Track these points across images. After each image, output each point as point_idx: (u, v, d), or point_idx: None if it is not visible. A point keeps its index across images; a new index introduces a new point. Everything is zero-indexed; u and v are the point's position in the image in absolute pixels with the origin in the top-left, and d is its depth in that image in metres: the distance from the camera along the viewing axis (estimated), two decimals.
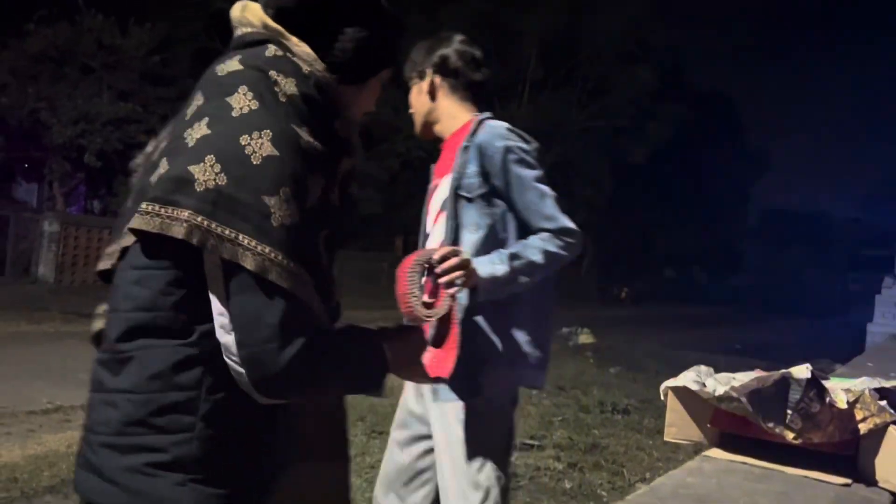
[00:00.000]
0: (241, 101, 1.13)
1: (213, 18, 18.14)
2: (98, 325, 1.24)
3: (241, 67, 1.18)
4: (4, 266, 15.17)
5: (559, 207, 2.08)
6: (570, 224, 2.07)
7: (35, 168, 18.49)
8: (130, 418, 1.10)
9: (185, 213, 1.06)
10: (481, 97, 2.30)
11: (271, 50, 1.22)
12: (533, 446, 5.39)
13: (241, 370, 1.09)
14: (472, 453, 2.05)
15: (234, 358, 1.10)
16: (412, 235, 28.10)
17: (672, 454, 5.50)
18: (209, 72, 1.22)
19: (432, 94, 2.27)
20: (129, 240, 1.15)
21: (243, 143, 1.09)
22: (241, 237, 1.06)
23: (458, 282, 1.78)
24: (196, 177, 1.07)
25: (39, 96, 15.48)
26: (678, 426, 2.45)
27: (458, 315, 1.88)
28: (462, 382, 1.98)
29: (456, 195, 2.11)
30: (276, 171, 1.09)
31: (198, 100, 1.18)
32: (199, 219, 1.06)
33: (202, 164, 1.08)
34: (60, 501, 3.73)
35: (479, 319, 2.04)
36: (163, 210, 1.07)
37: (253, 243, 1.06)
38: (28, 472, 4.08)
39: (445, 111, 2.27)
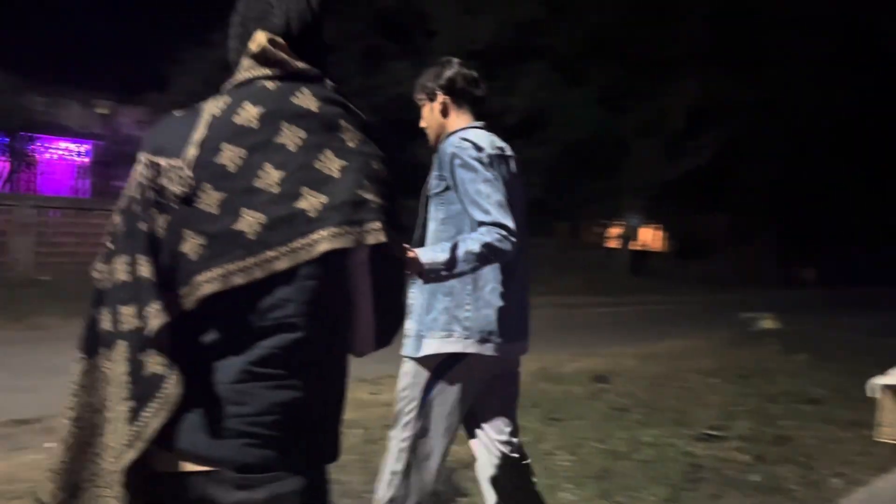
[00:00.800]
0: (350, 135, 1.40)
1: (379, 17, 18.85)
2: (157, 322, 1.27)
3: (321, 103, 1.39)
4: None
5: (499, 206, 2.38)
6: (504, 220, 2.36)
7: None
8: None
9: (377, 225, 1.35)
10: (483, 110, 2.71)
11: (328, 84, 1.45)
12: (715, 437, 5.21)
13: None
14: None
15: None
16: (577, 220, 27.77)
17: (871, 449, 5.13)
18: (283, 103, 1.37)
19: (444, 111, 2.67)
20: (303, 258, 1.32)
21: (375, 168, 1.39)
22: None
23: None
24: (367, 198, 1.35)
25: None
26: (894, 426, 2.29)
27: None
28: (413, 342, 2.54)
29: (425, 195, 2.62)
30: (393, 186, 1.43)
31: (290, 137, 1.35)
32: (384, 227, 1.36)
33: (363, 188, 1.35)
34: None
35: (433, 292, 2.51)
36: (353, 228, 1.33)
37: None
38: None
39: (454, 124, 2.65)
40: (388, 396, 5.86)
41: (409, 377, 2.57)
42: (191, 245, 1.31)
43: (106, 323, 1.32)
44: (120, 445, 1.26)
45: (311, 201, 1.33)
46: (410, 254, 2.23)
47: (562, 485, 4.03)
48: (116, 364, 1.29)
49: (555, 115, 19.94)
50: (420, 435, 2.55)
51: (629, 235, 25.14)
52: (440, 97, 2.66)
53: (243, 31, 1.47)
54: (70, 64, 25.24)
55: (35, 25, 24.23)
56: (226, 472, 1.30)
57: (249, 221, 1.32)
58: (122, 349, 1.29)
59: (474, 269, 2.39)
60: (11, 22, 23.87)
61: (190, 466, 1.31)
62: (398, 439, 2.58)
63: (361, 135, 1.41)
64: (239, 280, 1.30)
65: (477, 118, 2.68)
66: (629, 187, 23.36)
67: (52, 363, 6.49)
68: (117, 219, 1.35)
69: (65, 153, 20.60)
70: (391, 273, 1.50)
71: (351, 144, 1.39)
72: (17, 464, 4.00)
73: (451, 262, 2.29)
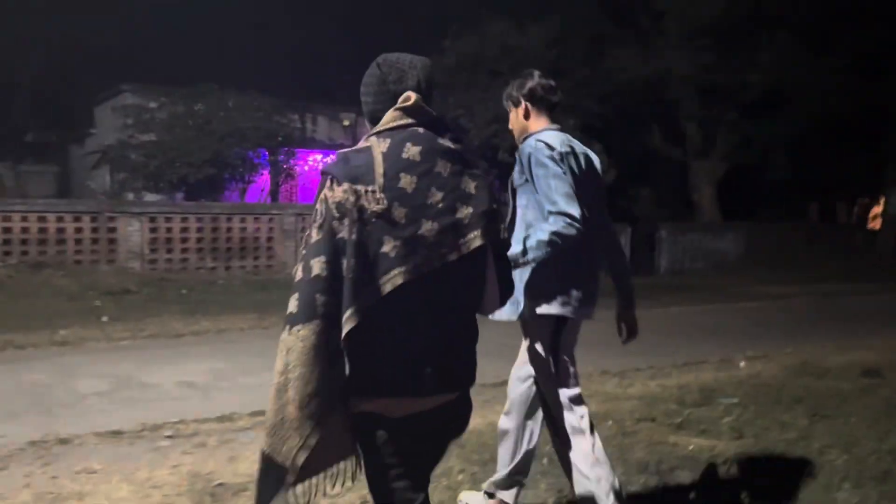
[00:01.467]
0: (473, 163, 1.98)
1: (602, 2, 18.50)
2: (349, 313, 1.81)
3: (455, 143, 1.96)
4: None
5: (567, 196, 2.83)
6: (570, 209, 2.81)
7: None
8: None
9: (501, 227, 1.99)
10: (558, 112, 3.17)
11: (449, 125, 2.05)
12: None
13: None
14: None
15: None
16: (831, 199, 25.15)
17: None
18: (434, 143, 1.91)
19: (526, 115, 3.12)
20: (464, 251, 1.90)
21: (489, 185, 1.98)
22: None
23: None
24: (495, 208, 1.95)
25: (458, 104, 17.41)
26: None
27: None
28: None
29: (511, 185, 3.12)
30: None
31: (442, 167, 1.90)
32: (503, 228, 2.01)
33: (492, 201, 1.95)
34: None
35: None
36: (490, 229, 1.94)
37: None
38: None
39: (534, 126, 3.10)
40: (639, 389, 5.78)
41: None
42: (389, 247, 1.81)
43: (303, 305, 1.78)
44: (305, 397, 1.76)
45: (464, 212, 1.90)
46: None
47: (839, 484, 3.73)
48: (310, 336, 1.76)
49: (800, 87, 18.25)
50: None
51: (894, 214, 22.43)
52: (523, 104, 3.12)
53: (384, 90, 1.97)
54: (317, 80, 27.65)
55: (285, 49, 26.76)
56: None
57: (428, 228, 1.85)
58: (314, 326, 1.77)
59: (546, 254, 2.83)
60: (266, 49, 26.64)
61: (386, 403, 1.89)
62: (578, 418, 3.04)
63: (476, 161, 2.01)
64: (425, 270, 1.83)
65: (553, 120, 3.13)
66: (894, 159, 20.90)
67: None
68: (315, 232, 1.82)
69: (314, 164, 22.58)
70: (505, 257, 2.10)
71: (476, 170, 1.97)
72: None
73: (524, 251, 2.83)
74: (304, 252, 1.83)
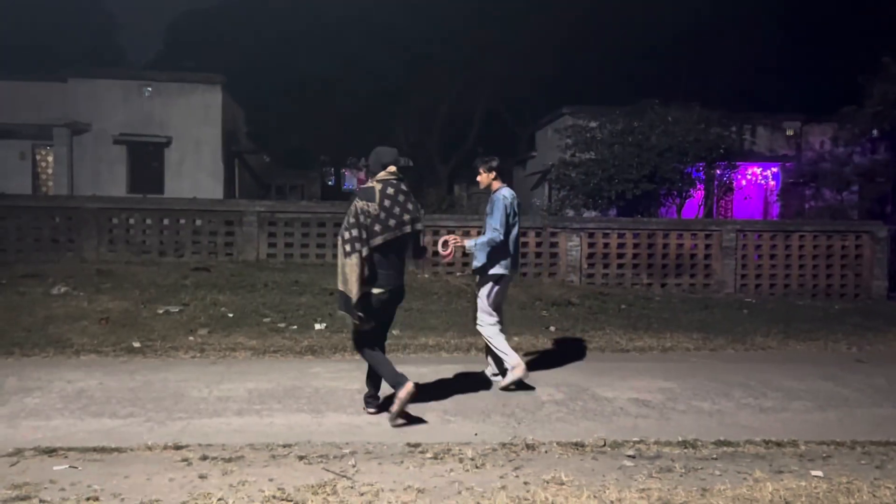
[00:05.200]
0: (409, 190, 5.20)
1: None
2: (366, 253, 4.94)
3: (408, 188, 5.19)
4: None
5: (501, 224, 5.88)
6: (501, 229, 5.89)
7: None
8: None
9: (421, 225, 5.21)
10: (505, 174, 7.02)
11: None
12: None
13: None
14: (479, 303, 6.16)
15: None
16: None
17: None
18: (399, 186, 5.07)
19: (490, 175, 6.16)
20: (407, 231, 5.08)
21: (415, 202, 5.30)
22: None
23: (456, 246, 5.80)
24: (417, 216, 5.16)
25: None
26: None
27: (455, 253, 5.92)
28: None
29: (486, 212, 6.14)
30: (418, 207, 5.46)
31: (402, 197, 5.04)
32: (421, 224, 5.26)
33: (415, 213, 5.14)
34: None
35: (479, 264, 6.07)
36: (417, 224, 5.14)
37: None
38: None
39: (496, 185, 6.14)
40: None
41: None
42: (378, 228, 4.89)
43: (350, 248, 4.81)
44: (356, 280, 4.79)
45: (406, 217, 5.03)
46: (463, 241, 5.88)
47: None
48: (356, 262, 4.80)
49: None
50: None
51: None
52: (489, 169, 6.16)
53: (379, 161, 5.06)
54: (757, 89, 25.99)
55: (724, 58, 25.64)
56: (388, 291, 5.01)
57: (392, 223, 4.95)
58: (356, 256, 4.80)
59: (486, 247, 5.93)
60: (705, 60, 25.79)
61: (377, 290, 4.94)
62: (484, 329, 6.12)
63: (411, 194, 5.16)
64: (390, 238, 4.93)
65: (503, 180, 6.26)
66: None
67: (783, 384, 6.42)
68: (352, 219, 4.86)
69: (752, 178, 21.12)
70: (418, 236, 5.31)
71: (413, 199, 5.14)
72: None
73: (474, 246, 5.94)
74: (350, 224, 4.84)
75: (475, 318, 6.17)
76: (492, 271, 5.96)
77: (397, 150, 5.20)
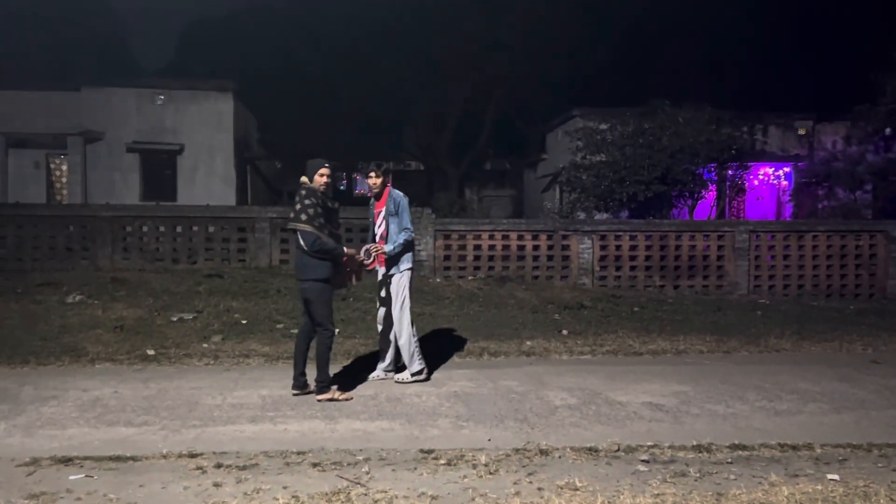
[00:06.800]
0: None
1: None
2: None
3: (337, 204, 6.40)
4: None
5: (410, 222, 6.48)
6: (410, 227, 6.46)
7: None
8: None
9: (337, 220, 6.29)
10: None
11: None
12: None
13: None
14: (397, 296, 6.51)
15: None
16: None
17: None
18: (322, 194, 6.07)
19: (385, 178, 6.54)
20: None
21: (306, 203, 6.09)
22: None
23: (377, 254, 6.39)
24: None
25: None
26: None
27: (381, 258, 6.48)
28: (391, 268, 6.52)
29: (387, 214, 6.47)
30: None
31: (330, 203, 6.06)
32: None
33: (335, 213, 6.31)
34: None
35: (391, 258, 6.46)
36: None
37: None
38: None
39: (385, 186, 6.54)
40: None
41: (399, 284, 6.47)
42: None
43: (323, 232, 5.76)
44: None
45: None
46: (383, 247, 6.39)
47: None
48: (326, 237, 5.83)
49: None
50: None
51: None
52: (382, 173, 6.49)
53: (313, 173, 5.92)
54: (768, 88, 25.86)
55: (734, 58, 25.54)
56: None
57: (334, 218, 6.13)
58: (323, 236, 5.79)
59: (403, 249, 6.39)
60: (716, 60, 25.70)
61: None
62: (404, 319, 6.47)
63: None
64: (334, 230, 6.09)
65: (393, 183, 6.79)
66: None
67: (798, 386, 6.37)
68: (311, 211, 5.73)
69: (764, 178, 21.00)
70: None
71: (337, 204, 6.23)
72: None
73: (392, 249, 6.33)
74: (306, 217, 5.73)
75: (386, 318, 6.51)
76: (410, 265, 6.49)
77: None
